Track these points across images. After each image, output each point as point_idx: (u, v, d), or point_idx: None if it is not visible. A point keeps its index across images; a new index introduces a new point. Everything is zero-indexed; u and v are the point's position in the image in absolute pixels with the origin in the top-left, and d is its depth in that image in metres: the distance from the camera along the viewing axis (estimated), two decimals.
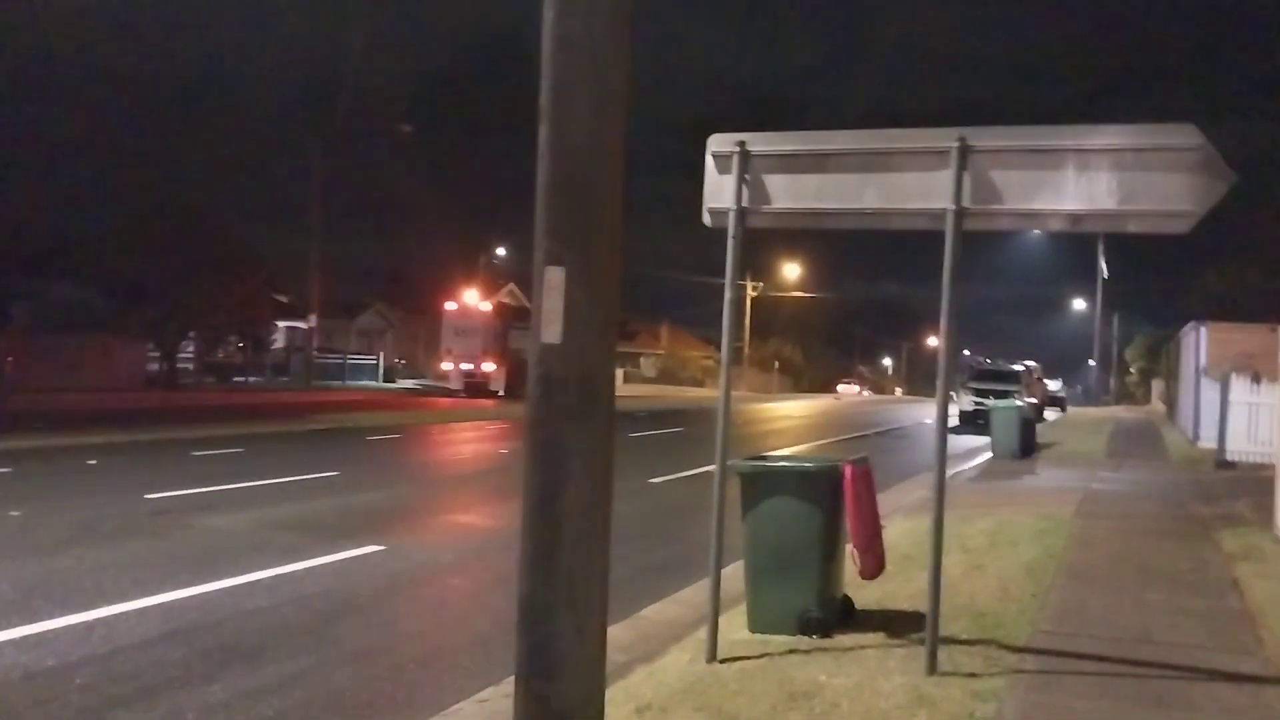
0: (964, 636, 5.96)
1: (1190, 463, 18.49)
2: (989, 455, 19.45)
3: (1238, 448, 17.46)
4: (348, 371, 44.18)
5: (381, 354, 49.29)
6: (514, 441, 22.15)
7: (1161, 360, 47.34)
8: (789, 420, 34.50)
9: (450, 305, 39.20)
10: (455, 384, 38.62)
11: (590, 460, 3.53)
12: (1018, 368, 36.19)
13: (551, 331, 3.52)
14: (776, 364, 75.46)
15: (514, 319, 40.58)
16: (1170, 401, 36.07)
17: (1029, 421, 20.24)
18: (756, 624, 6.15)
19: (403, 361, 51.84)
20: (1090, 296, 61.00)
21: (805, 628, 5.97)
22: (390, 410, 28.45)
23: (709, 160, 5.86)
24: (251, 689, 5.30)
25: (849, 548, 6.24)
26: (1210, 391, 19.93)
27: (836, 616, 6.20)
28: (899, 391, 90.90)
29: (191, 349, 38.78)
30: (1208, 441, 19.74)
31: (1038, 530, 9.94)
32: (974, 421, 29.39)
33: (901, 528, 9.91)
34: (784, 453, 17.05)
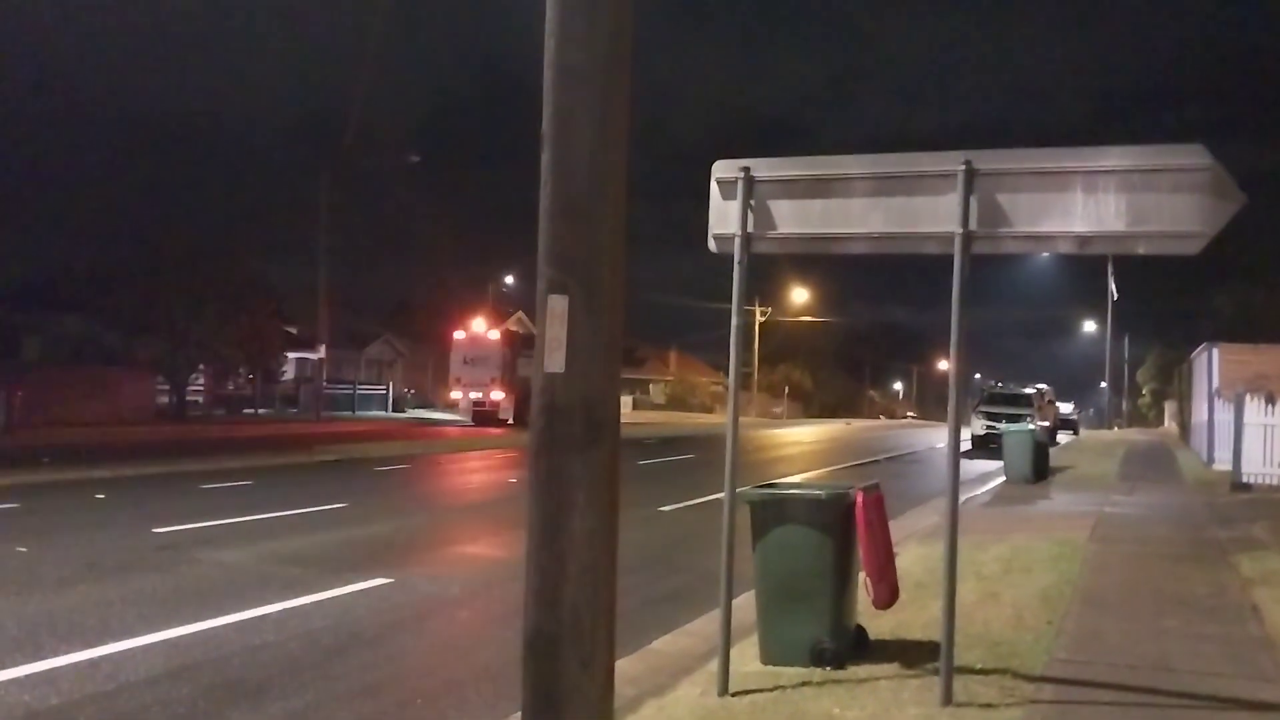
0: (979, 666, 5.86)
1: (1205, 485, 18.32)
2: (1002, 480, 19.31)
3: (1253, 470, 17.30)
4: (357, 402, 44.22)
5: (391, 384, 49.34)
6: (522, 470, 22.09)
7: (1174, 382, 47.10)
8: (799, 446, 34.36)
9: (459, 334, 39.25)
10: (464, 413, 38.64)
11: (595, 490, 3.48)
12: (1029, 391, 35.99)
13: (555, 360, 3.48)
14: (786, 389, 75.25)
15: (522, 347, 40.61)
16: (1183, 423, 35.86)
17: (1042, 445, 20.10)
18: (768, 655, 6.06)
19: (412, 391, 51.86)
20: (1101, 318, 60.83)
21: (818, 659, 5.88)
22: (399, 440, 28.40)
23: (714, 186, 5.84)
24: None
25: (862, 576, 6.15)
26: (1224, 413, 19.78)
27: (850, 647, 6.11)
28: (910, 415, 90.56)
29: (201, 381, 38.87)
30: (1222, 464, 19.57)
31: (1052, 556, 9.82)
32: (986, 445, 29.22)
33: (915, 554, 9.80)
34: (795, 480, 16.96)
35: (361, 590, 8.38)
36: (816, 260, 71.72)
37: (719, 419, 62.01)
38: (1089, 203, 5.06)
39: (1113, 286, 55.02)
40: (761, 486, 6.43)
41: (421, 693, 5.88)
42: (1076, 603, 7.71)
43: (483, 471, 21.30)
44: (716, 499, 6.08)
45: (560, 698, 3.34)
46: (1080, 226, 5.10)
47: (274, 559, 9.65)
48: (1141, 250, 5.09)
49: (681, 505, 14.70)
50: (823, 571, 5.97)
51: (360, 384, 47.47)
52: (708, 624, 7.13)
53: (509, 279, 66.01)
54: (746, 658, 6.12)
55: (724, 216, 5.80)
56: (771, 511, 6.09)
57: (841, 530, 6.00)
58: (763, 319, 69.84)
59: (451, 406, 40.21)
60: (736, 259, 5.69)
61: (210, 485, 15.84)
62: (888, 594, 6.13)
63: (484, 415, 38.04)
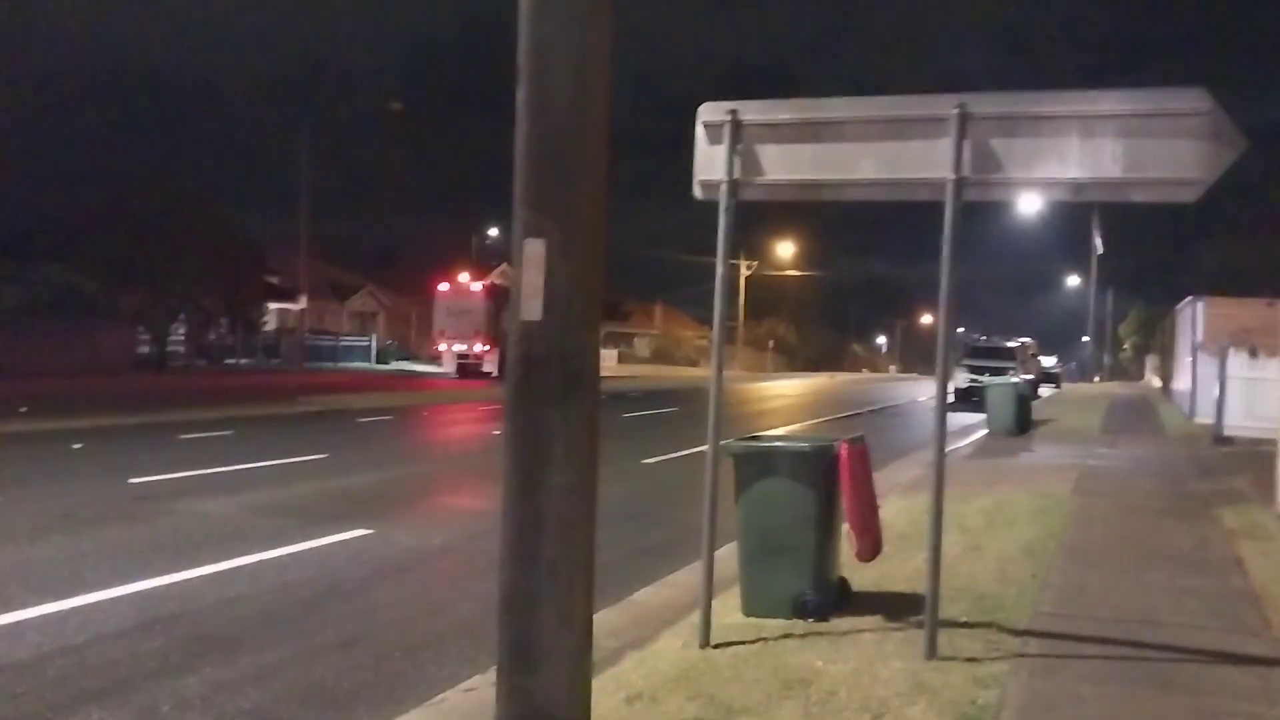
0: (963, 619, 5.81)
1: (1187, 439, 18.38)
2: (984, 432, 19.34)
3: (1235, 423, 17.34)
4: (340, 353, 43.93)
5: (374, 336, 49.03)
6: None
7: (1156, 336, 47.26)
8: (783, 399, 34.37)
9: (443, 286, 38.96)
10: (448, 365, 38.49)
11: (574, 443, 3.34)
12: (1012, 344, 36.05)
13: (531, 308, 3.33)
14: (771, 343, 75.24)
15: (506, 299, 40.21)
16: (1165, 377, 36.01)
17: (1024, 398, 20.12)
18: (751, 608, 6.00)
19: (395, 343, 51.59)
20: (1084, 272, 60.89)
21: (800, 611, 5.82)
22: (382, 392, 28.23)
23: (699, 130, 5.66)
24: (229, 680, 5.13)
25: (845, 528, 6.08)
26: (1207, 366, 19.81)
27: (833, 599, 6.05)
28: (893, 369, 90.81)
29: (182, 332, 38.51)
30: (1204, 417, 19.63)
31: (1036, 509, 9.80)
32: (969, 399, 29.25)
33: (897, 506, 9.77)
34: (778, 432, 16.92)
35: (341, 541, 8.28)
36: (801, 214, 71.49)
37: (704, 373, 62.00)
38: (1085, 148, 4.92)
39: (1098, 240, 55.00)
40: (745, 439, 6.33)
41: (400, 646, 5.80)
42: (1061, 556, 7.68)
43: (466, 424, 21.20)
44: (699, 452, 5.98)
45: (538, 655, 3.23)
46: (1076, 172, 4.95)
47: (252, 509, 9.53)
48: (1138, 198, 4.95)
49: (664, 458, 14.64)
50: (806, 524, 5.89)
51: (343, 335, 47.14)
52: (689, 576, 7.06)
53: (493, 231, 65.56)
54: (729, 609, 6.05)
55: (710, 162, 5.63)
56: (755, 464, 6.00)
57: (825, 482, 5.91)
58: (748, 273, 69.63)
59: (435, 359, 40.03)
60: (722, 206, 5.53)
61: (189, 435, 15.68)
62: (871, 546, 6.06)
63: (468, 368, 37.90)
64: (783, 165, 5.52)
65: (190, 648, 5.59)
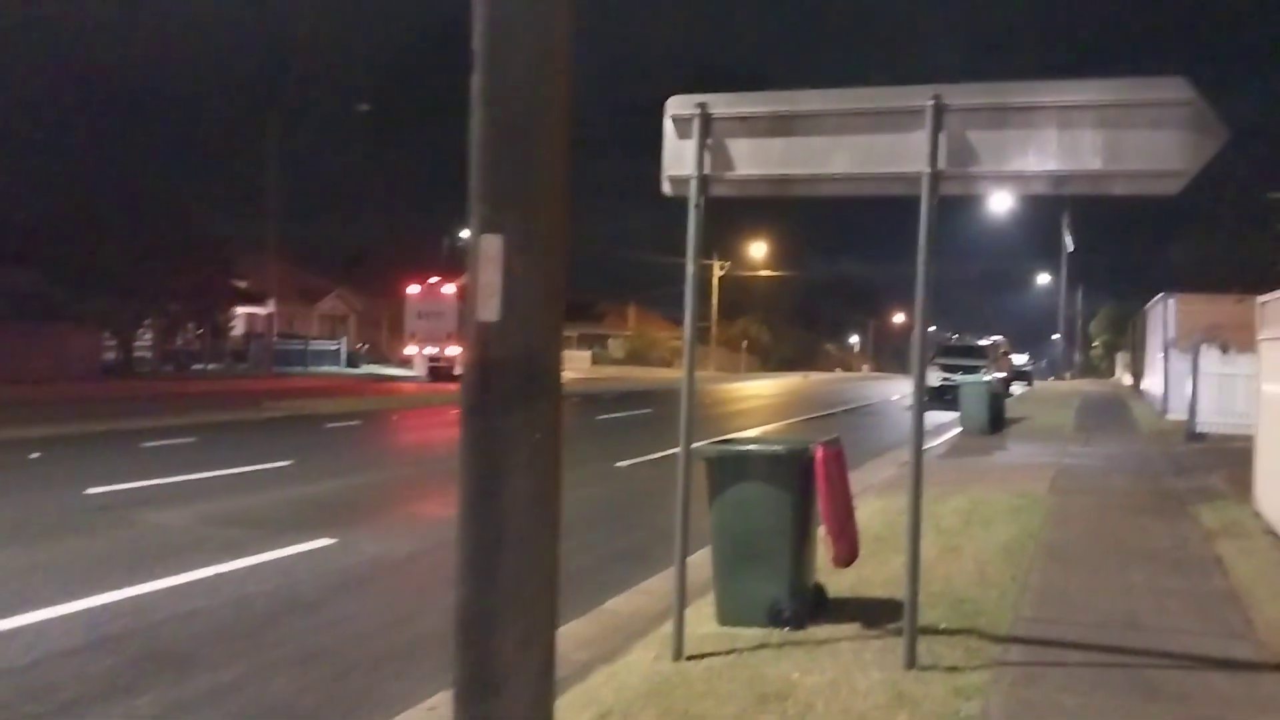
0: (943, 626, 5.66)
1: (1161, 435, 18.39)
2: (958, 430, 19.28)
3: (1208, 419, 17.37)
4: (309, 358, 43.40)
5: (344, 339, 48.54)
6: None
7: (1127, 333, 47.56)
8: (757, 400, 34.27)
9: (413, 289, 38.58)
10: (419, 368, 38.14)
11: (535, 450, 3.15)
12: (985, 343, 36.13)
13: (489, 308, 3.14)
14: (744, 343, 75.19)
15: None
16: (1137, 374, 36.19)
17: (997, 396, 20.11)
18: (725, 616, 5.82)
19: (366, 346, 51.10)
20: (1055, 270, 61.23)
21: (776, 619, 5.65)
22: (351, 396, 27.87)
23: (668, 124, 5.49)
24: (182, 700, 4.91)
25: (822, 533, 5.91)
26: (1179, 363, 19.86)
27: (809, 606, 5.88)
28: (866, 368, 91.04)
29: (149, 337, 37.92)
30: (1177, 413, 19.68)
31: (1012, 508, 9.69)
32: (942, 397, 29.25)
33: (873, 507, 9.63)
34: (752, 434, 16.74)
35: (303, 552, 8.04)
36: (774, 213, 71.55)
37: (678, 373, 61.68)
38: (1064, 140, 4.78)
39: (1068, 238, 55.31)
40: (718, 442, 6.16)
41: (361, 661, 5.58)
42: (1040, 557, 7.56)
43: (436, 428, 20.91)
44: (673, 454, 5.80)
45: (497, 679, 3.03)
46: (1055, 165, 4.81)
47: (212, 520, 9.26)
48: (1119, 190, 4.82)
49: (637, 461, 14.45)
50: (781, 529, 5.72)
51: (312, 339, 46.61)
52: (663, 582, 6.87)
53: (464, 233, 65.03)
54: (703, 618, 5.88)
55: (679, 157, 5.46)
56: (728, 468, 5.83)
57: (800, 486, 5.75)
58: (721, 274, 69.57)
59: (406, 362, 39.67)
60: (692, 202, 5.36)
61: (152, 443, 15.33)
62: (848, 551, 5.89)
63: (440, 371, 37.52)
64: (754, 160, 5.36)
65: (142, 666, 5.35)
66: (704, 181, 5.34)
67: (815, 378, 60.18)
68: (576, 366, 53.48)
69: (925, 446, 16.81)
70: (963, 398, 19.77)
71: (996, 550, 7.76)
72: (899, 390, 39.30)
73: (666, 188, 5.53)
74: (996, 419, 19.52)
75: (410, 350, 38.49)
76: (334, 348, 46.13)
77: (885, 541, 7.76)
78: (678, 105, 5.44)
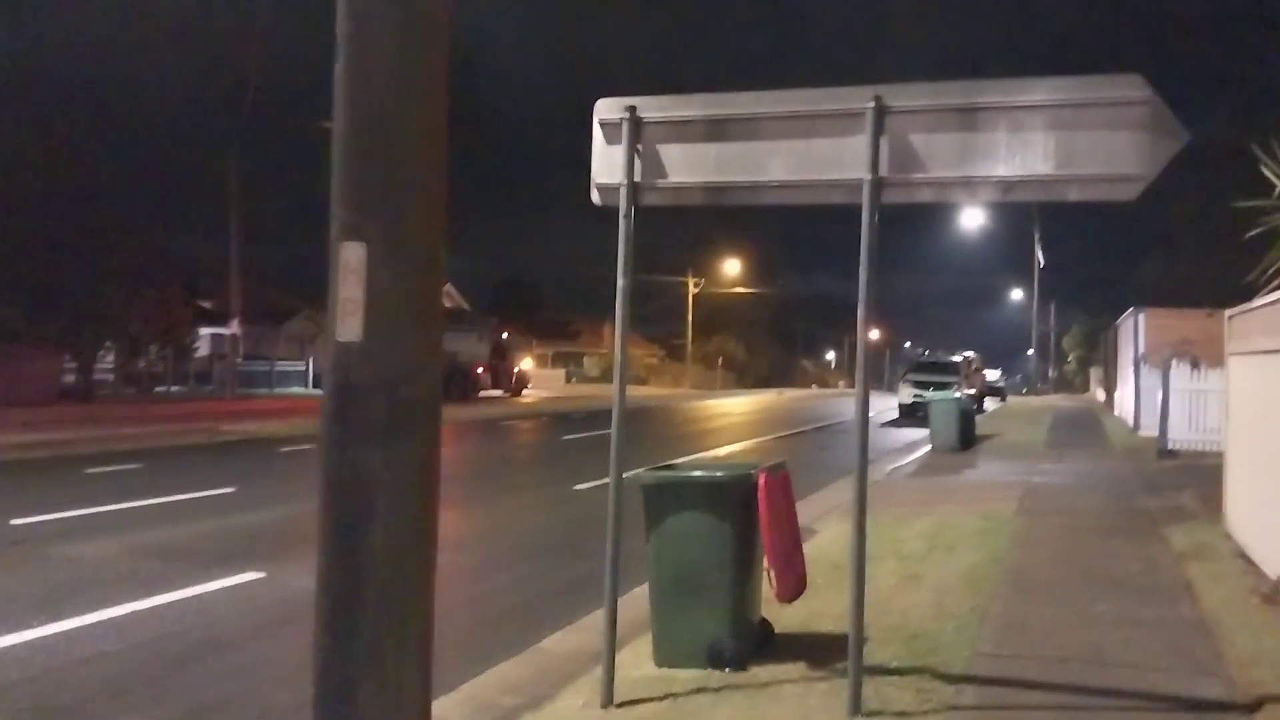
0: (894, 665, 5.28)
1: (1132, 452, 18.14)
2: (928, 448, 18.99)
3: (1179, 436, 17.15)
4: (275, 379, 42.77)
5: (312, 359, 47.88)
6: (443, 448, 21.21)
7: (1100, 348, 47.58)
8: (730, 417, 33.91)
9: None
10: None
11: (404, 492, 2.76)
12: (956, 359, 36.01)
13: (348, 327, 2.75)
14: (720, 360, 74.93)
15: (449, 320, 39.70)
16: (1109, 389, 36.10)
17: (967, 413, 19.83)
18: (662, 656, 5.42)
19: None
20: (1027, 286, 61.35)
21: (716, 660, 5.25)
22: (311, 418, 27.23)
23: (596, 130, 5.13)
24: None
25: (766, 566, 5.53)
26: (1150, 379, 19.66)
27: (753, 644, 5.50)
28: (842, 385, 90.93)
29: (111, 359, 37.18)
30: (1148, 430, 19.45)
31: (978, 531, 9.35)
32: (914, 414, 29.06)
33: (835, 531, 9.25)
34: (696, 458, 16.28)
35: (227, 587, 7.57)
36: (747, 228, 71.45)
37: (654, 390, 61.44)
38: (1013, 143, 4.45)
39: (1039, 253, 55.44)
40: (658, 467, 5.77)
41: (274, 710, 5.15)
42: (1003, 584, 7.20)
43: None
44: (636, 474, 5.43)
45: None
46: (1004, 170, 4.48)
47: (139, 552, 8.76)
48: (1073, 197, 4.47)
49: (598, 483, 13.97)
50: (722, 562, 5.34)
51: (279, 360, 45.94)
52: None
53: None
54: (640, 658, 5.49)
55: (608, 164, 5.10)
56: (665, 496, 5.44)
57: (742, 515, 5.37)
58: (695, 291, 69.37)
59: None
60: (622, 213, 4.99)
61: (96, 469, 14.77)
62: (794, 585, 5.52)
63: None
64: (687, 167, 5.00)
65: None
66: (634, 190, 4.98)
67: (790, 394, 59.93)
68: (549, 385, 52.99)
69: (894, 466, 16.54)
70: (932, 415, 19.49)
71: (959, 577, 7.40)
72: (875, 406, 39.00)
73: (595, 197, 5.17)
74: (967, 436, 19.25)
75: None
76: (300, 368, 45.49)
77: (843, 570, 7.32)
78: (606, 109, 5.09)
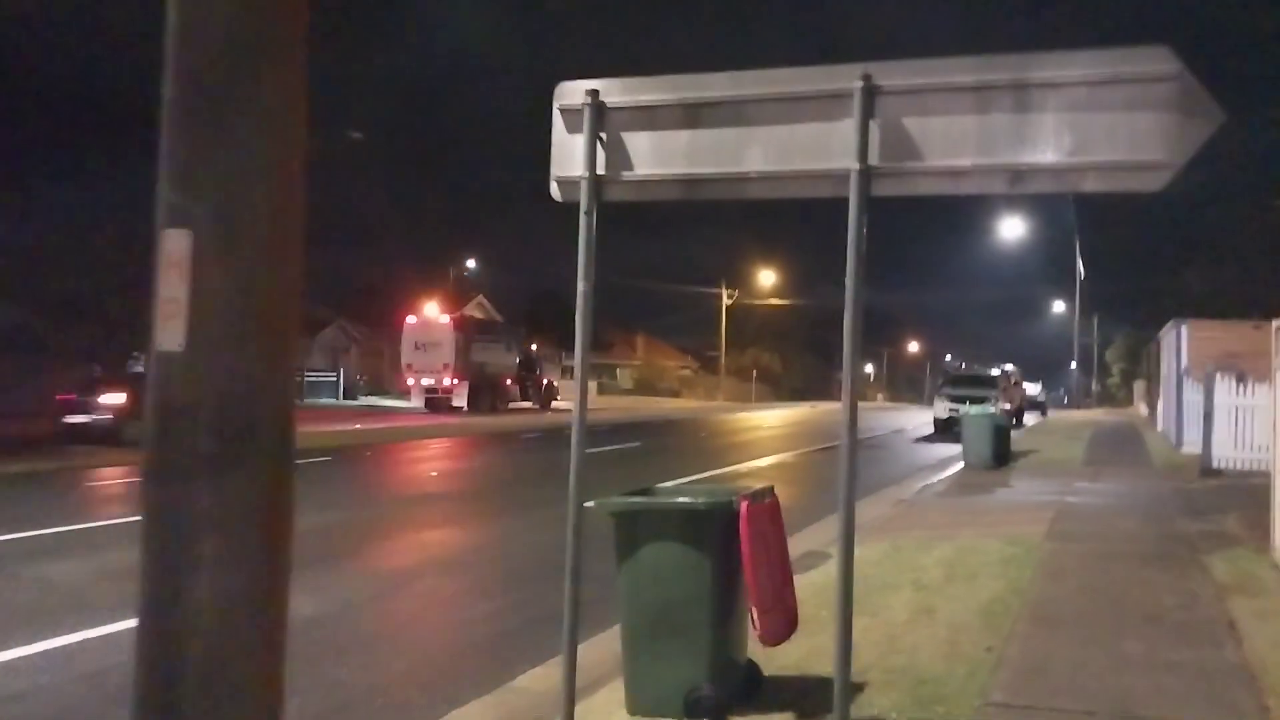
0: (893, 716, 4.70)
1: (1173, 470, 17.31)
2: (961, 465, 18.27)
3: (1223, 454, 16.30)
4: (305, 389, 42.69)
5: (342, 370, 47.85)
6: (456, 461, 20.81)
7: (1142, 362, 46.37)
8: (762, 431, 33.25)
9: (410, 319, 37.99)
10: (416, 399, 37.46)
11: (234, 534, 2.24)
12: (994, 372, 35.10)
13: (169, 333, 2.25)
14: (754, 372, 74.18)
15: (477, 331, 39.46)
16: (1152, 404, 35.03)
17: (1002, 428, 19.06)
18: (635, 704, 4.88)
19: (365, 377, 50.35)
20: (1070, 298, 60.12)
21: (694, 709, 4.70)
22: (336, 428, 26.92)
23: (556, 117, 4.61)
24: None
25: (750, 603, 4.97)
26: (1193, 394, 18.78)
27: (737, 690, 4.94)
28: (880, 398, 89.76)
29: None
30: (1191, 447, 18.57)
31: (1002, 558, 8.69)
32: (950, 429, 28.24)
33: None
34: (682, 482, 15.55)
35: None
36: (781, 238, 70.81)
37: (686, 403, 60.84)
38: (1021, 127, 3.86)
39: (1080, 264, 54.29)
40: (630, 493, 5.24)
41: None
42: (1024, 620, 6.57)
43: (412, 464, 20.03)
44: (602, 501, 4.93)
45: None
46: (1010, 158, 3.89)
47: (111, 574, 8.32)
48: (1090, 187, 3.89)
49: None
50: (701, 598, 4.79)
51: (310, 370, 45.92)
52: (589, 651, 5.91)
53: (470, 262, 64.55)
54: (612, 705, 4.95)
55: (569, 155, 4.57)
56: (639, 524, 4.92)
57: (724, 547, 4.82)
58: (729, 303, 68.76)
59: (405, 393, 38.96)
60: (583, 208, 4.47)
61: (98, 483, 14.47)
62: (783, 626, 4.95)
63: (437, 402, 36.89)
64: (656, 158, 4.46)
65: None
66: (596, 184, 4.45)
67: (824, 407, 59.06)
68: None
69: (923, 484, 15.83)
70: (965, 430, 18.76)
71: (976, 611, 6.78)
72: (913, 421, 38.19)
73: (555, 192, 4.65)
74: (1001, 452, 18.48)
75: (408, 381, 37.82)
76: (331, 379, 45.45)
77: (855, 600, 6.77)
78: (567, 94, 4.57)
